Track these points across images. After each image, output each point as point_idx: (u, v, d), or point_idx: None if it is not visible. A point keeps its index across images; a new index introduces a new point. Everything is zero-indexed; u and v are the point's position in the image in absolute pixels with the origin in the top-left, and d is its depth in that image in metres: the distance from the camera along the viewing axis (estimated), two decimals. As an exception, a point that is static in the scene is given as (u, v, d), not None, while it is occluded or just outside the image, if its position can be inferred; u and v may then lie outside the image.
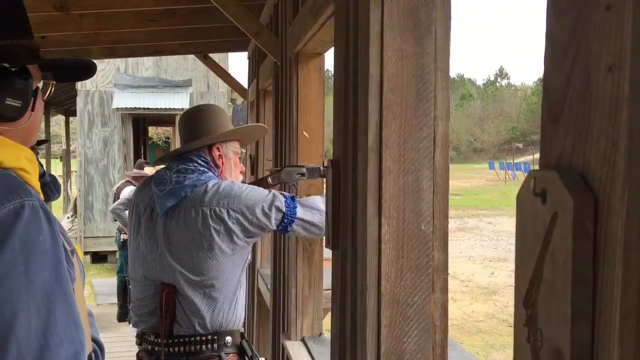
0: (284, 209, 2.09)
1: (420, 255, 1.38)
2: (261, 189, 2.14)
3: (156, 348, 2.08)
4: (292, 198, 2.14)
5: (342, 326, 1.66)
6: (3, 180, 1.02)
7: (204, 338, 2.06)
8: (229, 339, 2.09)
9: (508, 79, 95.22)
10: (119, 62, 10.67)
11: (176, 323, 2.06)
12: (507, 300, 8.70)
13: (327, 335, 2.80)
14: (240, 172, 2.32)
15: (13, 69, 1.11)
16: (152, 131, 17.29)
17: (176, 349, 2.05)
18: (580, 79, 0.60)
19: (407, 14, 1.36)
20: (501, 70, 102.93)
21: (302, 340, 2.69)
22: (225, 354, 2.07)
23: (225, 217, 2.04)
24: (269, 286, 3.66)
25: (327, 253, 1.93)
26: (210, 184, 2.09)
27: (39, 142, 4.34)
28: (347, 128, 1.64)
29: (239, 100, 12.70)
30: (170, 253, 2.06)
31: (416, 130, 1.38)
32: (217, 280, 2.06)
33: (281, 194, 2.15)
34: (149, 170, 6.36)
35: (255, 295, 4.43)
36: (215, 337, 2.07)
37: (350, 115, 1.59)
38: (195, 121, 2.26)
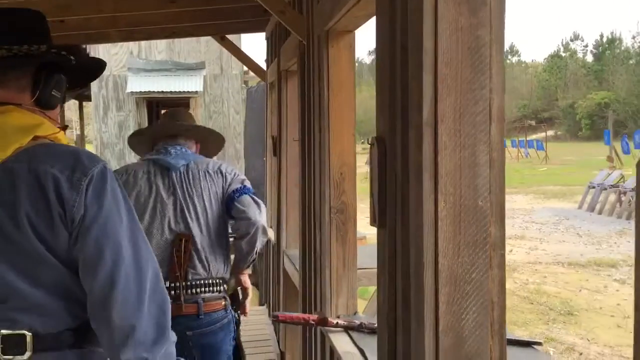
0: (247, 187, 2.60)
1: (477, 232, 1.36)
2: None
3: (172, 292, 2.33)
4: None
5: (391, 303, 1.65)
6: (79, 150, 1.36)
7: (213, 281, 2.43)
8: (229, 283, 2.54)
9: (519, 55, 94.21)
10: (132, 45, 10.64)
11: (190, 268, 2.39)
12: (526, 278, 8.69)
13: (361, 314, 2.80)
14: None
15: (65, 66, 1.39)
16: (165, 115, 17.29)
17: (193, 290, 2.37)
18: None
19: (462, -15, 1.33)
20: (512, 47, 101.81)
21: (338, 317, 2.69)
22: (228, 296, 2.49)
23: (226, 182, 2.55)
24: (297, 266, 3.67)
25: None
26: (220, 162, 2.64)
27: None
28: (393, 104, 1.62)
29: (251, 82, 12.66)
30: (187, 207, 2.44)
31: (472, 104, 1.35)
32: (221, 234, 2.50)
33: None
34: None
35: (282, 275, 4.44)
36: (220, 280, 2.47)
37: (398, 91, 1.57)
38: (187, 119, 2.82)
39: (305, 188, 3.28)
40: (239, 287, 2.56)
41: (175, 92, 10.41)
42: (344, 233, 2.71)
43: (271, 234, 2.58)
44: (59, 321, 1.21)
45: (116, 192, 1.31)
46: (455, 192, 1.35)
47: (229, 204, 2.52)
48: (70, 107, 24.35)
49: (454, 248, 1.35)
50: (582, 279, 8.46)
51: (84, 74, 1.50)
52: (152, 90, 10.32)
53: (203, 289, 2.41)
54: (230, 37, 5.88)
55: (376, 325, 2.40)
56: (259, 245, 2.54)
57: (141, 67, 10.52)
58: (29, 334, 1.16)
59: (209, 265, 2.44)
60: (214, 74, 10.90)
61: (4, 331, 1.16)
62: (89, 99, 11.76)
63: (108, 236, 1.25)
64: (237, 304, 2.59)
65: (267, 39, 5.50)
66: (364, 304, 4.15)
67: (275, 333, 4.85)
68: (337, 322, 2.40)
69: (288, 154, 4.32)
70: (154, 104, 12.27)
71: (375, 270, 3.68)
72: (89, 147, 13.75)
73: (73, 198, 1.23)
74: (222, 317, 2.47)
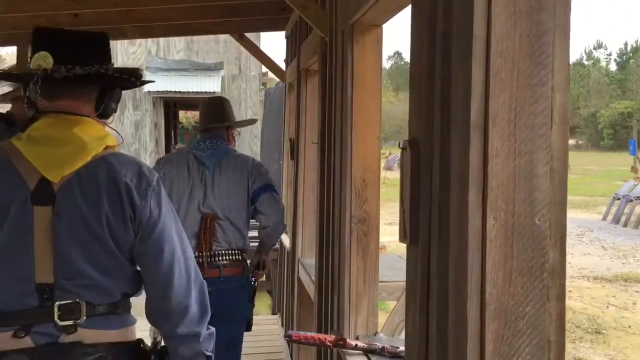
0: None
1: (533, 256, 1.13)
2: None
3: (198, 260, 2.76)
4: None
5: (422, 334, 1.43)
6: (139, 161, 1.62)
7: (232, 252, 2.96)
8: (252, 260, 3.13)
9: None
10: (150, 44, 10.53)
11: (215, 241, 2.94)
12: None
13: (382, 335, 2.58)
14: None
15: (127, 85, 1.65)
16: (182, 115, 17.22)
17: (215, 258, 2.92)
18: None
19: (522, -41, 1.11)
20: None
21: (357, 338, 2.47)
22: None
23: (251, 177, 3.04)
24: (313, 277, 3.45)
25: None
26: (248, 155, 3.23)
27: None
28: (431, 102, 1.39)
29: (269, 84, 12.48)
30: (214, 194, 2.97)
31: (530, 102, 1.13)
32: (242, 217, 3.01)
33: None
34: None
35: (296, 284, 4.22)
36: (239, 251, 2.99)
37: (438, 87, 1.34)
38: (220, 110, 3.21)
39: (324, 194, 3.06)
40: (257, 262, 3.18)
41: (193, 92, 10.28)
42: (365, 245, 2.49)
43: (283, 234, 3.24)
44: (108, 296, 1.49)
45: (166, 199, 1.60)
46: (507, 207, 1.13)
47: (253, 199, 3.02)
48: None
49: (505, 275, 1.12)
50: (609, 294, 8.13)
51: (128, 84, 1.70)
52: (169, 90, 10.20)
53: (223, 257, 2.94)
54: (249, 37, 5.71)
55: (399, 349, 2.18)
56: (275, 237, 3.14)
57: (159, 66, 10.40)
58: (83, 304, 1.45)
59: (229, 240, 2.97)
60: (232, 75, 10.75)
61: (63, 302, 1.43)
62: (106, 97, 11.67)
63: (166, 236, 1.54)
64: (255, 274, 3.18)
65: (286, 37, 5.30)
66: (382, 318, 3.91)
67: (288, 345, 4.63)
68: (356, 345, 2.18)
69: (306, 157, 4.11)
70: (171, 104, 12.16)
71: (396, 283, 3.47)
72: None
73: (141, 204, 1.50)
74: (239, 280, 2.99)
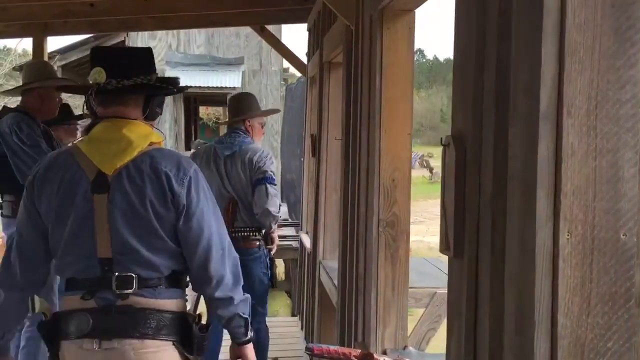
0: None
1: (617, 279, 0.91)
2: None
3: None
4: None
5: (469, 363, 1.22)
6: (179, 154, 1.91)
7: (249, 229, 3.40)
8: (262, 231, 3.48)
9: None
10: (171, 39, 10.41)
11: (236, 219, 3.41)
12: None
13: (412, 349, 2.37)
14: (263, 134, 3.71)
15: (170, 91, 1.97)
16: (202, 111, 17.12)
17: (236, 234, 3.30)
18: None
19: None
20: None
21: (384, 352, 2.26)
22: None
23: (252, 170, 3.41)
24: (335, 282, 3.25)
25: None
26: (257, 148, 3.47)
27: (78, 117, 4.02)
28: (480, 90, 1.18)
29: (290, 80, 12.30)
30: (229, 182, 3.45)
31: (615, 88, 0.91)
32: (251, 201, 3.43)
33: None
34: None
35: (317, 288, 4.03)
36: (255, 229, 3.42)
37: (491, 73, 1.13)
38: (236, 104, 3.60)
39: (348, 195, 2.85)
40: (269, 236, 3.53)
41: (213, 87, 10.13)
42: (394, 250, 2.28)
43: (276, 210, 3.44)
44: (155, 271, 1.75)
45: (205, 186, 1.82)
46: (585, 219, 0.91)
47: (252, 189, 3.45)
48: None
49: (582, 302, 0.91)
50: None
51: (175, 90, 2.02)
52: (189, 84, 10.03)
53: (242, 233, 3.38)
54: (270, 30, 5.53)
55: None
56: (265, 221, 3.39)
57: (179, 61, 10.27)
58: (135, 276, 1.72)
59: (246, 219, 3.43)
60: (253, 70, 10.59)
61: (120, 274, 1.71)
62: (126, 92, 11.58)
63: (204, 218, 1.77)
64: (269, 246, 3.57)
65: (308, 30, 5.10)
66: (409, 326, 3.70)
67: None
68: (385, 361, 1.97)
69: (328, 154, 3.91)
70: (192, 100, 12.05)
71: (423, 289, 3.25)
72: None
73: (179, 191, 1.74)
74: (255, 252, 3.43)
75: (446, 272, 3.82)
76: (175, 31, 10.30)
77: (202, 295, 1.90)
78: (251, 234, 3.42)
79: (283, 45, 5.46)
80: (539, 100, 0.92)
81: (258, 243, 3.42)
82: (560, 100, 0.91)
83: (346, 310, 2.86)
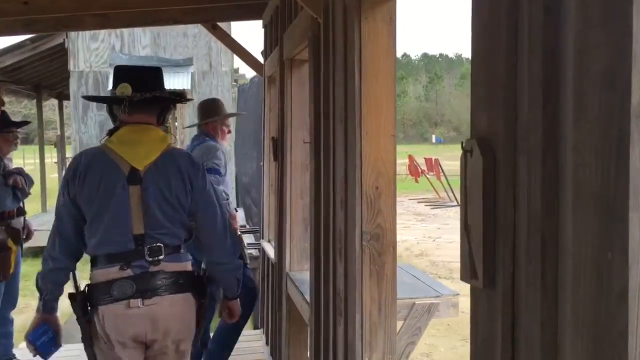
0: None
1: None
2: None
3: None
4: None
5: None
6: (189, 153, 2.67)
7: None
8: None
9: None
10: (114, 40, 9.91)
11: None
12: None
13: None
14: (228, 132, 3.93)
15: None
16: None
17: None
18: None
19: None
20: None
21: (372, 382, 2.02)
22: None
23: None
24: (307, 297, 3.00)
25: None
26: (207, 146, 3.65)
27: (17, 124, 3.65)
28: (514, 81, 0.95)
29: (241, 81, 11.95)
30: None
31: None
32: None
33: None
34: None
35: (284, 301, 3.76)
36: None
37: (537, 56, 0.90)
38: (200, 110, 3.93)
39: (320, 204, 2.60)
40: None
41: (161, 90, 9.67)
42: (380, 266, 2.05)
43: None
44: (176, 239, 2.26)
45: (208, 175, 2.38)
46: (696, 249, 0.69)
47: None
48: (51, 107, 23.42)
49: (696, 360, 0.69)
50: None
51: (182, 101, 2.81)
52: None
53: None
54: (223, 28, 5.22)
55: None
56: None
57: (124, 63, 9.77)
58: (163, 246, 2.22)
59: None
60: (203, 71, 10.20)
61: (150, 245, 2.21)
62: (68, 97, 10.99)
63: (211, 197, 2.33)
64: None
65: (264, 26, 4.82)
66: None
67: (275, 367, 4.17)
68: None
69: (293, 158, 3.65)
70: (138, 103, 11.52)
71: (401, 301, 3.03)
72: (68, 149, 12.97)
73: (195, 180, 2.29)
74: None
75: (423, 280, 3.61)
76: (118, 32, 9.82)
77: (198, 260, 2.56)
78: None
79: (237, 43, 5.16)
80: (630, 93, 0.69)
81: None
82: (659, 92, 0.68)
83: (321, 330, 2.61)
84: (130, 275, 2.18)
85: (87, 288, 2.23)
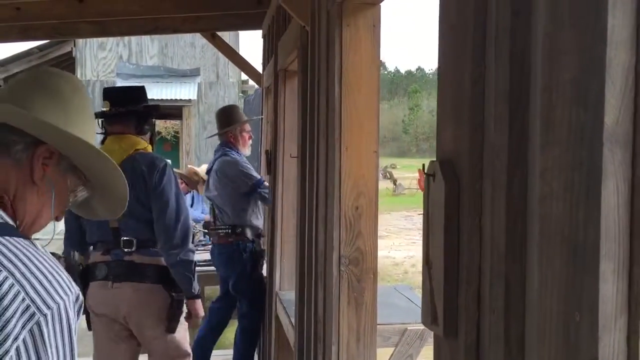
0: None
1: None
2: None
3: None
4: None
5: None
6: (155, 155, 2.77)
7: (226, 227, 3.96)
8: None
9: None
10: (122, 49, 9.88)
11: (216, 220, 4.16)
12: None
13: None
14: (249, 138, 4.07)
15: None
16: (161, 125, 16.51)
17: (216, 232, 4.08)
18: None
19: None
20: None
21: (348, 420, 1.86)
22: None
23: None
24: (292, 320, 2.84)
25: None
26: (230, 162, 3.91)
27: None
28: (482, 95, 0.81)
29: (250, 92, 11.86)
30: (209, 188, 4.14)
31: None
32: (228, 202, 4.03)
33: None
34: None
35: (273, 322, 3.60)
36: (229, 227, 3.96)
37: (504, 66, 0.75)
38: (218, 119, 4.09)
39: (305, 223, 2.46)
40: None
41: (168, 100, 9.63)
42: (358, 293, 1.89)
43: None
44: (147, 235, 2.65)
45: (171, 174, 2.71)
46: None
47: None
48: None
49: None
50: None
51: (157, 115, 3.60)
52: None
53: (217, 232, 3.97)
54: (225, 39, 5.12)
55: None
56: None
57: (131, 72, 9.74)
58: (134, 240, 2.63)
59: (222, 219, 3.97)
60: (210, 82, 10.13)
61: (124, 238, 2.63)
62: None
63: (168, 197, 2.65)
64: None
65: (263, 36, 4.71)
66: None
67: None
68: None
69: (285, 173, 3.50)
70: (145, 113, 11.48)
71: (392, 326, 2.86)
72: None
73: (148, 180, 2.62)
74: (229, 247, 3.94)
75: (417, 303, 3.45)
76: (126, 41, 9.80)
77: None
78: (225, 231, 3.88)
79: (236, 53, 5.05)
80: (602, 111, 0.53)
81: (230, 239, 3.87)
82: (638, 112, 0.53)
83: (304, 357, 2.45)
84: (108, 260, 2.64)
85: (86, 266, 2.72)
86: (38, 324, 0.84)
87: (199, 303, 2.74)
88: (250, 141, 4.09)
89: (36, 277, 0.87)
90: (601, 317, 0.54)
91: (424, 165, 0.95)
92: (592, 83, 0.55)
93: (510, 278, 0.74)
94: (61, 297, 0.88)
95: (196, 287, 2.71)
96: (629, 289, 0.54)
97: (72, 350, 0.87)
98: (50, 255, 0.92)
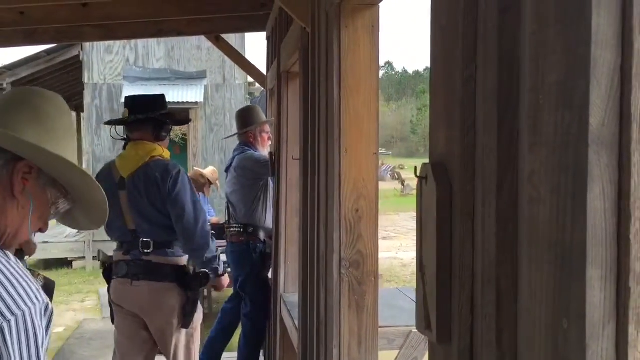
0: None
1: None
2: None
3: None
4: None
5: None
6: (169, 162, 2.90)
7: (239, 226, 4.06)
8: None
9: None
10: (128, 52, 9.91)
11: (229, 217, 4.20)
12: None
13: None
14: (268, 139, 4.12)
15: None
16: (168, 127, 16.52)
17: (229, 230, 4.18)
18: None
19: None
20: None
21: None
22: None
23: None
24: (296, 322, 2.83)
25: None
26: (250, 158, 3.99)
27: None
28: (473, 96, 0.79)
29: (257, 94, 11.87)
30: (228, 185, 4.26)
31: None
32: (242, 199, 4.18)
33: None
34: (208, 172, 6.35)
35: (278, 324, 3.59)
36: (242, 226, 4.05)
37: (492, 67, 0.74)
38: (237, 119, 4.21)
39: (307, 226, 2.44)
40: None
41: (174, 102, 9.62)
42: (360, 297, 1.87)
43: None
44: (163, 237, 2.81)
45: (185, 180, 2.83)
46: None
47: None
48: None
49: None
50: None
51: (174, 122, 3.27)
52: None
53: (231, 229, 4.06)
54: (233, 41, 5.12)
55: None
56: None
57: (138, 75, 9.77)
58: (151, 241, 2.79)
59: (235, 216, 4.04)
60: (216, 84, 10.13)
61: (142, 239, 2.79)
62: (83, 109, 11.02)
63: (183, 202, 2.78)
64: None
65: (267, 38, 4.70)
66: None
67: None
68: None
69: (288, 175, 3.50)
70: (153, 116, 11.50)
71: (397, 329, 2.84)
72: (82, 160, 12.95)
73: (162, 186, 2.75)
74: (241, 245, 4.04)
75: (422, 305, 3.40)
76: (132, 44, 9.82)
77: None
78: (238, 229, 3.96)
79: (240, 55, 5.05)
80: (588, 112, 0.52)
81: (242, 238, 3.96)
82: (626, 110, 0.51)
83: (307, 360, 2.43)
84: (128, 259, 2.83)
85: (110, 264, 2.93)
86: (1, 329, 0.83)
87: (225, 278, 3.07)
88: (270, 142, 4.12)
89: (1, 284, 0.87)
90: (588, 324, 0.52)
91: (416, 167, 0.94)
92: (578, 83, 0.53)
93: (502, 283, 0.72)
94: (27, 305, 0.87)
95: (221, 269, 3.01)
96: (617, 296, 0.52)
97: (38, 358, 0.87)
98: (22, 265, 0.92)
